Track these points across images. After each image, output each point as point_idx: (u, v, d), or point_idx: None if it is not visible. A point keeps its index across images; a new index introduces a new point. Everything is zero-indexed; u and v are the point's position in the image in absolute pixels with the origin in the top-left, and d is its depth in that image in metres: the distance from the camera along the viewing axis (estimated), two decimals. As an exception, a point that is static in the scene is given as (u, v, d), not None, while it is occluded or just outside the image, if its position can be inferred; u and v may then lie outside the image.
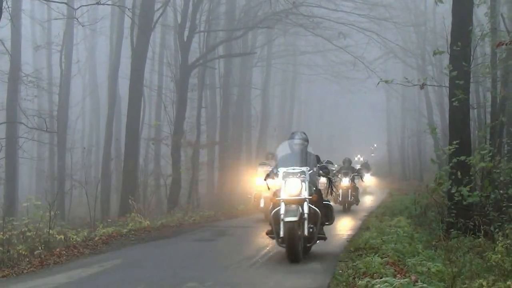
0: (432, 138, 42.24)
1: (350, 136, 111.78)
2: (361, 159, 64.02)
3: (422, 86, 16.58)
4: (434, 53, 16.41)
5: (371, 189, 45.63)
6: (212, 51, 36.43)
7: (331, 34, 35.33)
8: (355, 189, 27.91)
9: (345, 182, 27.32)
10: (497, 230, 12.97)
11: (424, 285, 8.44)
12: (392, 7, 38.93)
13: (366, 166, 44.38)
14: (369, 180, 44.34)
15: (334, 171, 27.32)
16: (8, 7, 20.87)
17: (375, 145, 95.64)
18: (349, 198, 27.04)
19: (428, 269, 9.73)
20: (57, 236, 14.20)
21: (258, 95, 52.48)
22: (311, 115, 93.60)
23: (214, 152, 43.24)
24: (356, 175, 28.80)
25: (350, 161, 29.74)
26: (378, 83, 17.44)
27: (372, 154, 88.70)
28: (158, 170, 37.91)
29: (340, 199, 26.88)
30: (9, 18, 23.08)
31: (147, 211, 23.80)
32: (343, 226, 20.20)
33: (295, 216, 11.59)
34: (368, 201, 35.08)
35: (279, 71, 60.23)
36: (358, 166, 39.02)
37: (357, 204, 28.08)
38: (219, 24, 39.71)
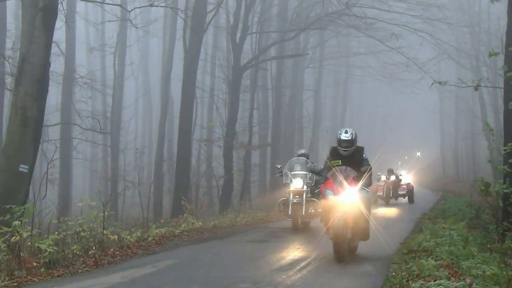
0: (486, 139, 41.54)
1: (400, 138, 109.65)
2: None
3: (477, 88, 16.31)
4: (490, 55, 16.12)
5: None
6: (264, 53, 36.43)
7: (384, 35, 34.99)
8: None
9: None
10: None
11: (480, 288, 8.36)
12: (445, 7, 38.47)
13: (389, 173, 32.16)
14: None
15: None
16: (63, 9, 21.10)
17: (419, 154, 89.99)
18: None
19: (483, 272, 9.58)
20: (110, 236, 14.29)
21: (310, 96, 52.45)
22: (363, 116, 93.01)
23: (266, 154, 43.26)
24: None
25: None
26: (432, 84, 17.21)
27: (404, 170, 72.21)
28: (210, 171, 37.93)
29: None
30: (64, 20, 23.32)
31: (199, 212, 23.94)
32: (396, 228, 20.05)
33: None
34: None
35: (331, 72, 59.92)
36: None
37: None
38: (271, 25, 39.70)
